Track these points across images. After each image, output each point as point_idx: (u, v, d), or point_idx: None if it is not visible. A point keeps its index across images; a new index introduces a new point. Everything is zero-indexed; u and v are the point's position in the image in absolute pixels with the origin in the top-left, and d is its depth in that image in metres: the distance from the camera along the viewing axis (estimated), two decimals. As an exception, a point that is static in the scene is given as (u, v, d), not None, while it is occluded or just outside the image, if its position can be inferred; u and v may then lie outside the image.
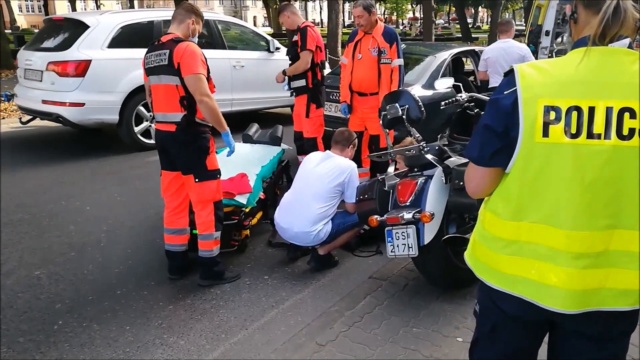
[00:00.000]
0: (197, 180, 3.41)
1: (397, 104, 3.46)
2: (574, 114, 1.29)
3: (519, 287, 1.42)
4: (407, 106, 3.44)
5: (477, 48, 7.67)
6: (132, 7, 35.62)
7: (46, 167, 6.41)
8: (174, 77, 3.25)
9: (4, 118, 9.17)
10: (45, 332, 3.04)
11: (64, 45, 6.69)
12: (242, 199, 3.94)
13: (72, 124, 6.79)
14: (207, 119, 3.33)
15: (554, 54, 8.73)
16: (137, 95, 6.72)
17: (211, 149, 3.45)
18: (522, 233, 1.40)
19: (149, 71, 3.40)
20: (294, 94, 5.21)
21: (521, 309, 1.44)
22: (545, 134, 1.32)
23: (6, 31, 18.60)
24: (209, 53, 4.82)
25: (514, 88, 1.35)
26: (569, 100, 1.30)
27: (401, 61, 4.77)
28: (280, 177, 5.16)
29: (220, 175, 3.52)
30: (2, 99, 10.22)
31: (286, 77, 5.17)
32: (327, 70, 5.17)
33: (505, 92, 1.38)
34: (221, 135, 3.43)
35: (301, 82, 5.08)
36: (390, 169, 3.47)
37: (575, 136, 1.30)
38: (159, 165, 3.59)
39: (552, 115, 1.31)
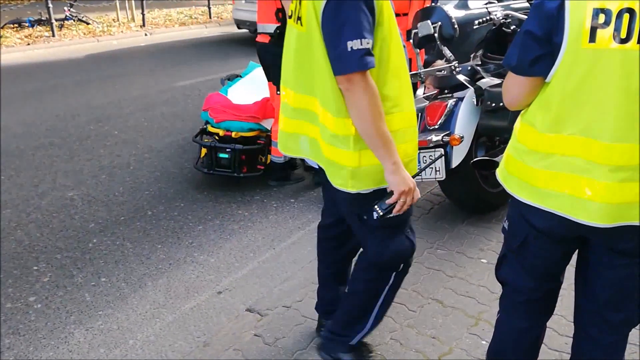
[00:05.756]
0: (278, 92, 3.60)
1: (429, 21, 3.29)
2: (626, 16, 1.19)
3: (552, 201, 1.38)
4: (439, 23, 3.27)
5: None
6: None
7: (73, 92, 6.45)
8: None
9: (28, 44, 9.14)
10: (81, 250, 3.17)
11: None
12: (267, 124, 3.91)
13: None
14: None
15: None
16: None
17: None
18: (559, 146, 1.35)
19: None
20: None
21: (552, 224, 1.41)
22: (592, 39, 1.22)
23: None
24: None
25: None
26: (621, 2, 1.19)
27: None
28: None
29: None
30: (27, 24, 10.18)
31: None
32: None
33: None
34: None
35: None
36: (420, 92, 3.37)
37: (624, 41, 1.20)
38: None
39: (602, 18, 1.21)
